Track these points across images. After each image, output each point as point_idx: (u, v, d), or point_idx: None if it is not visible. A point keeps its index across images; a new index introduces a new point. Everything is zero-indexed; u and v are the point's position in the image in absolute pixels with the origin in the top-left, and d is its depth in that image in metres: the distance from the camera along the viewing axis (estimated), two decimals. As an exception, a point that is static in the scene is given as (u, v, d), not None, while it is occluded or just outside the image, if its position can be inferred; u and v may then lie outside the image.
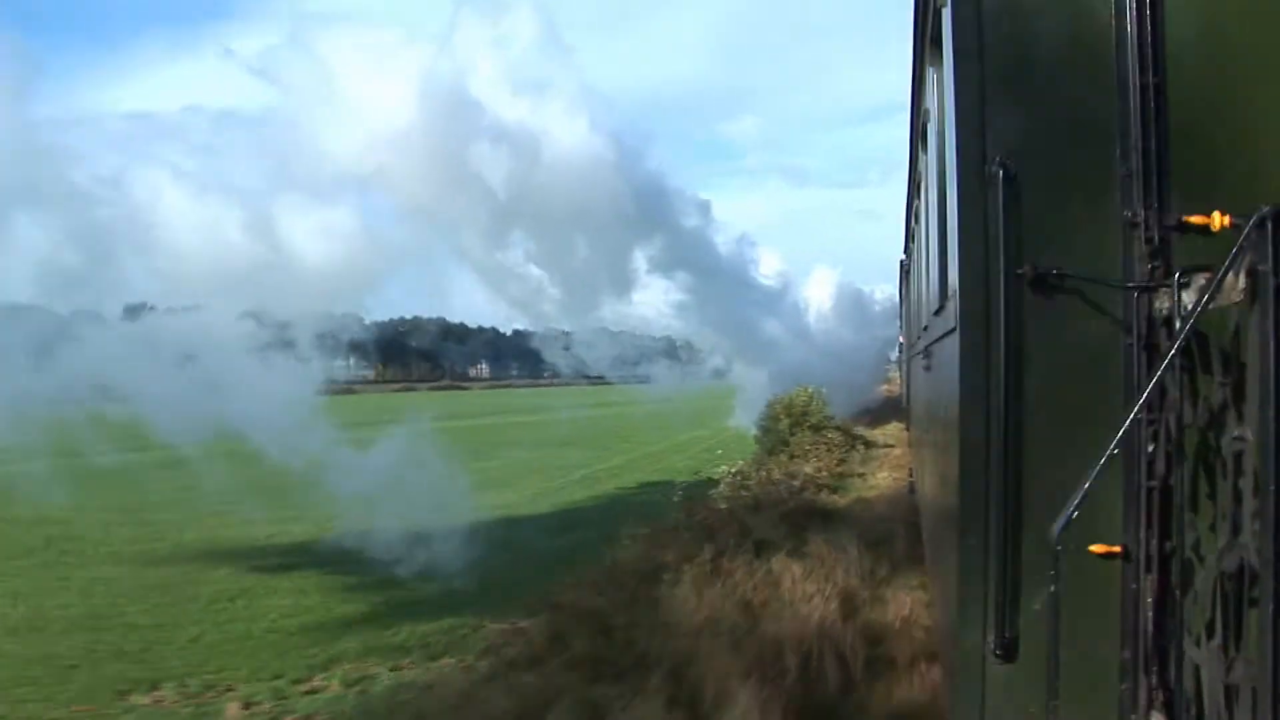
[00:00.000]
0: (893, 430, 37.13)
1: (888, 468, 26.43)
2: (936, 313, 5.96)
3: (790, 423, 30.96)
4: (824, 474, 24.56)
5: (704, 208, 49.82)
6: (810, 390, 32.52)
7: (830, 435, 31.01)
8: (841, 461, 27.89)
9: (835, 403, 40.75)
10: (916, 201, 11.48)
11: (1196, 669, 3.29)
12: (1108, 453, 3.07)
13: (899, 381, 53.88)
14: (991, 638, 3.86)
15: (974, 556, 3.94)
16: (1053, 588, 3.07)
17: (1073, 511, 2.98)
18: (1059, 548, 3.05)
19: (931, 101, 6.66)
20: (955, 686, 4.08)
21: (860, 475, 25.21)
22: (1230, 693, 2.99)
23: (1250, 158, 3.61)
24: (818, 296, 65.00)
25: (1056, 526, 3.01)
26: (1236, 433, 2.93)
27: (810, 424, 31.00)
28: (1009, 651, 3.84)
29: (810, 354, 51.47)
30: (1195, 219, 3.58)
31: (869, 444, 32.85)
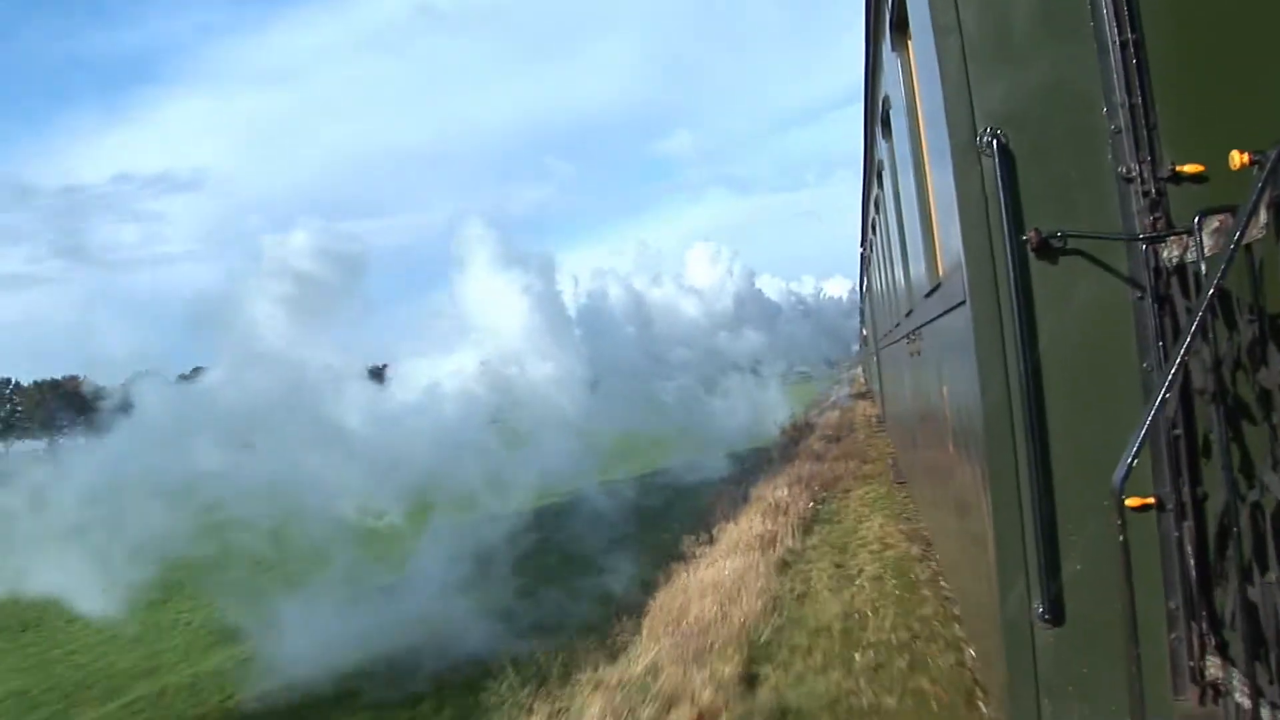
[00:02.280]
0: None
1: None
2: (930, 294, 5.98)
3: None
4: None
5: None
6: None
7: None
8: None
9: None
10: (877, 190, 11.55)
11: (1252, 608, 3.31)
12: (1157, 398, 3.08)
13: (862, 379, 52.58)
14: (1038, 603, 3.87)
15: (1009, 525, 3.95)
16: (1121, 537, 3.07)
17: (1131, 460, 2.98)
18: (1122, 497, 3.04)
19: (894, 87, 6.72)
20: (1006, 657, 4.07)
21: None
22: None
23: (1233, 104, 3.68)
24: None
25: (1117, 476, 3.00)
26: None
27: None
28: (1057, 615, 3.85)
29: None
30: (1188, 168, 3.65)
31: None
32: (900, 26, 5.71)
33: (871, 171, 12.08)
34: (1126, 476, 3.00)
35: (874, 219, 13.63)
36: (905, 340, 9.52)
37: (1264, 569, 3.29)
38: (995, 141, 3.87)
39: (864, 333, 38.16)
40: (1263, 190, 2.88)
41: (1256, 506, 3.36)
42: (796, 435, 34.59)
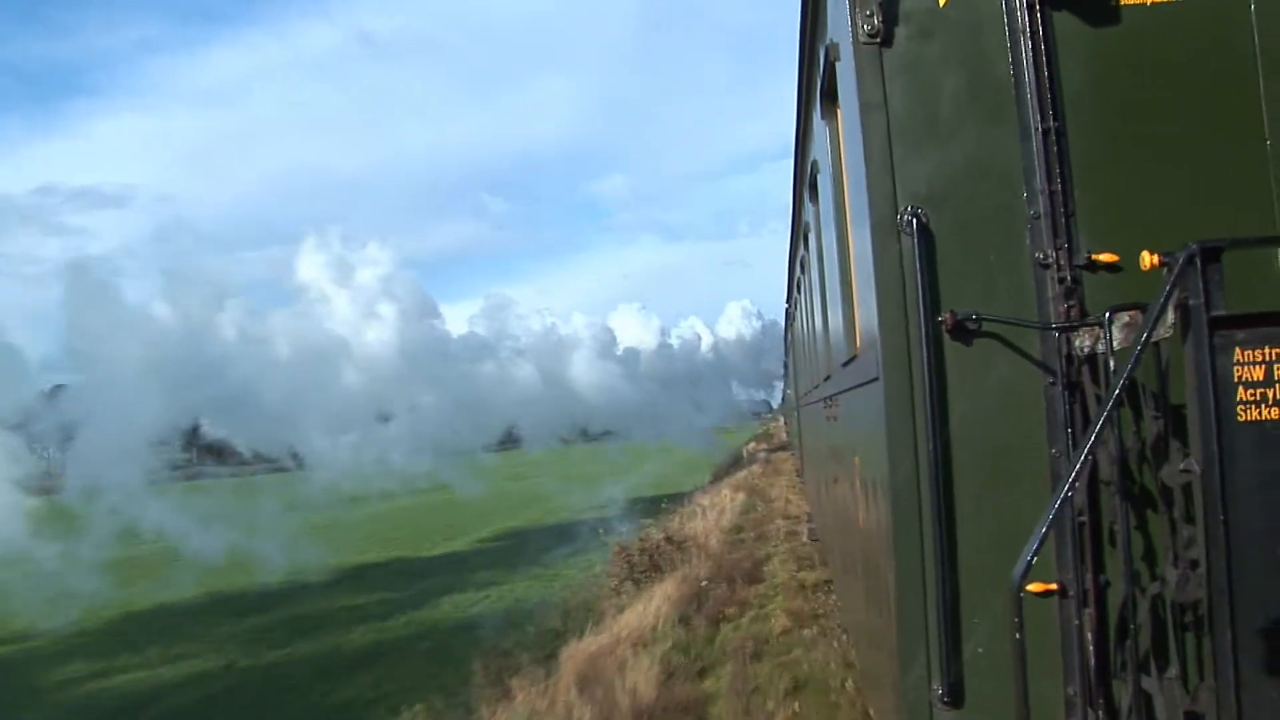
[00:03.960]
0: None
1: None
2: (846, 364, 5.99)
3: None
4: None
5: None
6: None
7: None
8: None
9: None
10: (803, 251, 11.63)
11: (1147, 699, 3.31)
12: (1062, 492, 3.07)
13: (784, 431, 53.23)
14: (938, 685, 3.83)
15: (912, 604, 3.92)
16: (1018, 635, 3.04)
17: (1031, 557, 2.97)
18: (1020, 592, 3.01)
19: (822, 153, 6.76)
20: None
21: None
22: None
23: (1150, 196, 3.75)
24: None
25: (1017, 571, 2.99)
26: (1182, 465, 2.97)
27: None
28: (956, 697, 3.82)
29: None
30: (1104, 257, 3.70)
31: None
32: (830, 96, 5.74)
33: (799, 231, 12.18)
34: (1026, 572, 2.98)
35: (799, 278, 13.73)
36: (823, 404, 9.56)
37: (1162, 661, 3.30)
38: (915, 220, 3.88)
39: (786, 391, 38.62)
40: (1171, 292, 2.92)
41: (1157, 598, 3.38)
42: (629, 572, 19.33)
